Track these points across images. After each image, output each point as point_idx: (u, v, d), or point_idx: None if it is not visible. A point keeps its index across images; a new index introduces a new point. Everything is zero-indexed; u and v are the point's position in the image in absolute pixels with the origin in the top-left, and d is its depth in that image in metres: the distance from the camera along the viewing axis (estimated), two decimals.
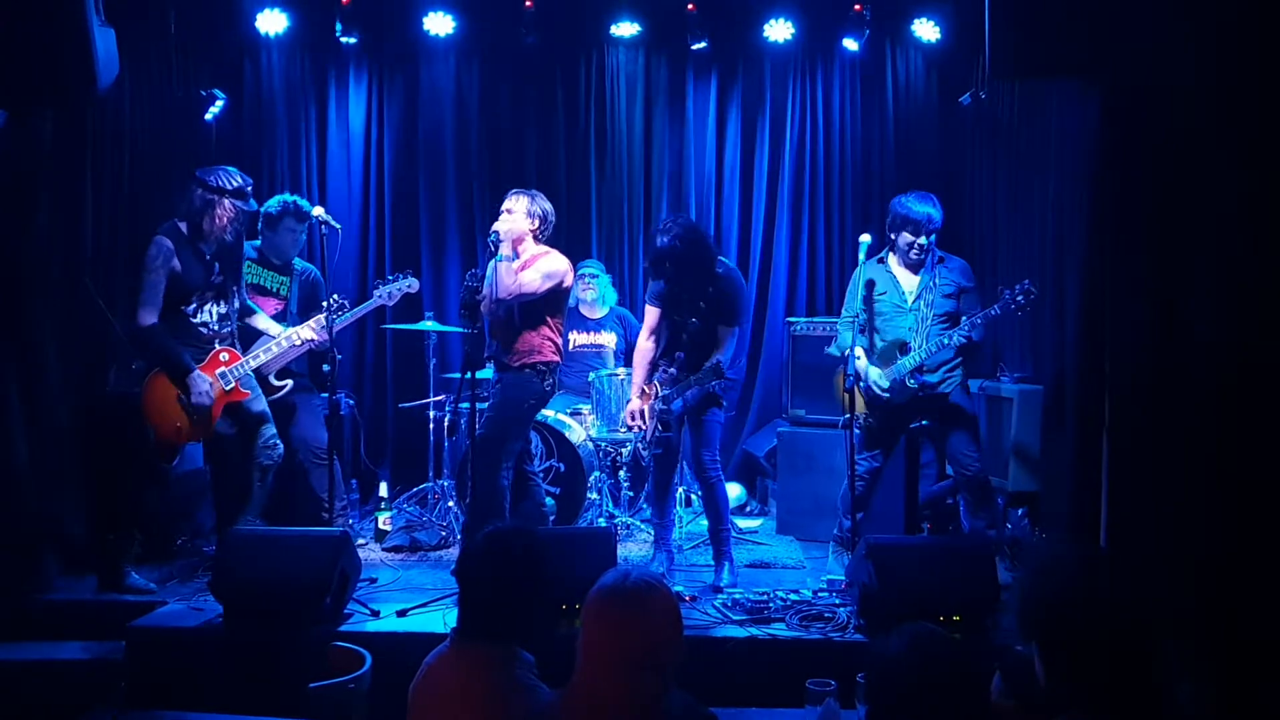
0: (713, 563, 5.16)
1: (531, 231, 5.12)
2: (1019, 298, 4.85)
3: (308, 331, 5.24)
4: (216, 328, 4.96)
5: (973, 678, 2.11)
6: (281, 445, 5.11)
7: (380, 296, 5.44)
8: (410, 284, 5.44)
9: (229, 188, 4.83)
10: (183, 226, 4.83)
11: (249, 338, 5.26)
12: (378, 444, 7.24)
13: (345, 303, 5.28)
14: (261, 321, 5.35)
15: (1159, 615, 2.09)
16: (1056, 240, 5.17)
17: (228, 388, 4.91)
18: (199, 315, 4.90)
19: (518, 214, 5.10)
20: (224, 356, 4.94)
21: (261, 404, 5.10)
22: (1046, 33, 4.25)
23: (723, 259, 5.18)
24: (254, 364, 5.05)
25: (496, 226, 5.05)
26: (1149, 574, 3.80)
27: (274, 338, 5.21)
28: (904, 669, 2.04)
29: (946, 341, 4.97)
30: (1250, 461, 3.62)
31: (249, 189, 4.93)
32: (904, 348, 5.06)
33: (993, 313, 4.94)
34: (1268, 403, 3.58)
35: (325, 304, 5.15)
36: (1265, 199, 3.62)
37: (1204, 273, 3.84)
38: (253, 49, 7.11)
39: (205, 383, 4.82)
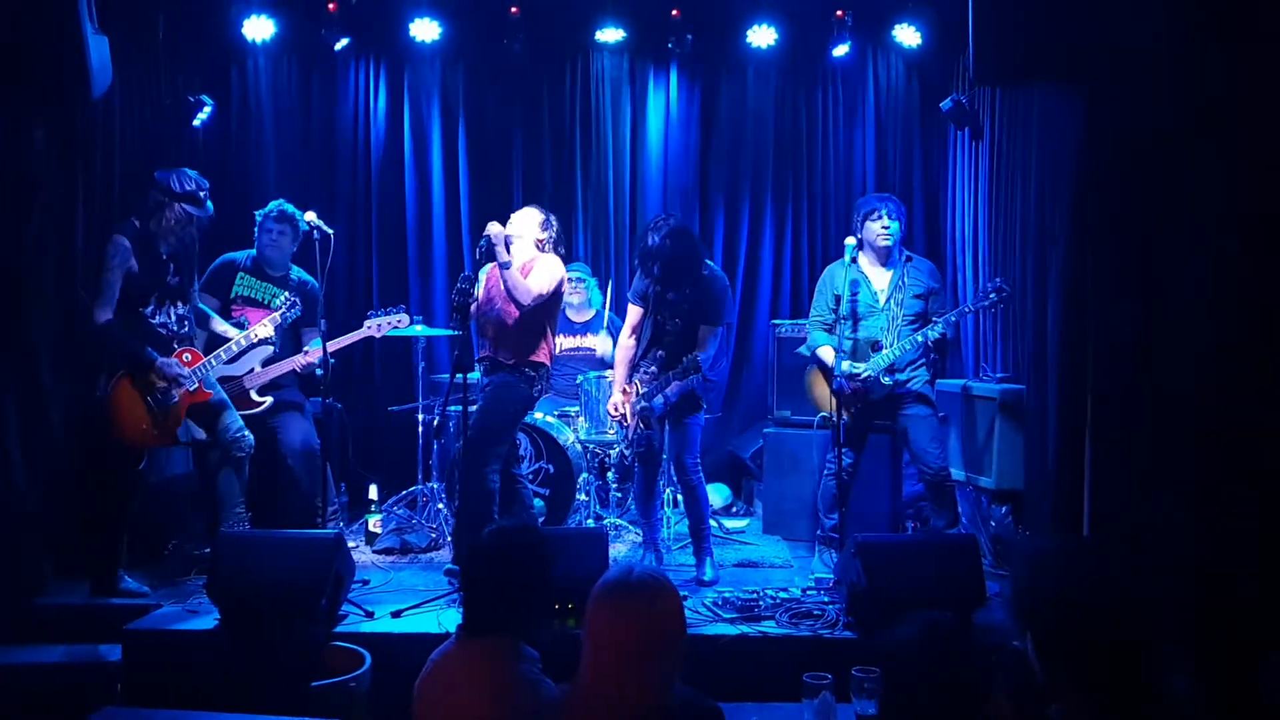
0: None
1: (537, 240, 5.18)
2: (991, 295, 5.01)
3: (264, 329, 5.26)
4: (175, 328, 4.96)
5: (980, 664, 2.17)
6: (251, 436, 5.11)
7: (369, 327, 5.45)
8: (401, 319, 5.44)
9: (180, 191, 4.82)
10: (139, 225, 4.84)
11: (215, 346, 5.23)
12: (367, 447, 7.23)
13: (296, 300, 5.35)
14: (218, 325, 5.36)
15: (1149, 605, 2.15)
16: (1039, 242, 5.23)
17: (191, 388, 4.91)
18: (157, 316, 4.89)
19: (529, 233, 5.17)
20: (186, 357, 4.94)
21: (225, 402, 5.11)
22: (1030, 36, 4.30)
23: (708, 261, 5.23)
24: (215, 364, 5.05)
25: (507, 232, 5.06)
26: (1131, 572, 3.87)
27: (232, 339, 5.22)
28: (916, 654, 2.11)
29: (920, 339, 5.08)
30: (1232, 461, 3.70)
31: (203, 193, 4.92)
32: (875, 346, 5.15)
33: (965, 309, 5.13)
34: (1249, 403, 3.65)
35: (281, 301, 5.26)
36: (1248, 202, 3.69)
37: (1187, 274, 3.90)
38: (240, 55, 7.10)
39: (175, 365, 4.84)
